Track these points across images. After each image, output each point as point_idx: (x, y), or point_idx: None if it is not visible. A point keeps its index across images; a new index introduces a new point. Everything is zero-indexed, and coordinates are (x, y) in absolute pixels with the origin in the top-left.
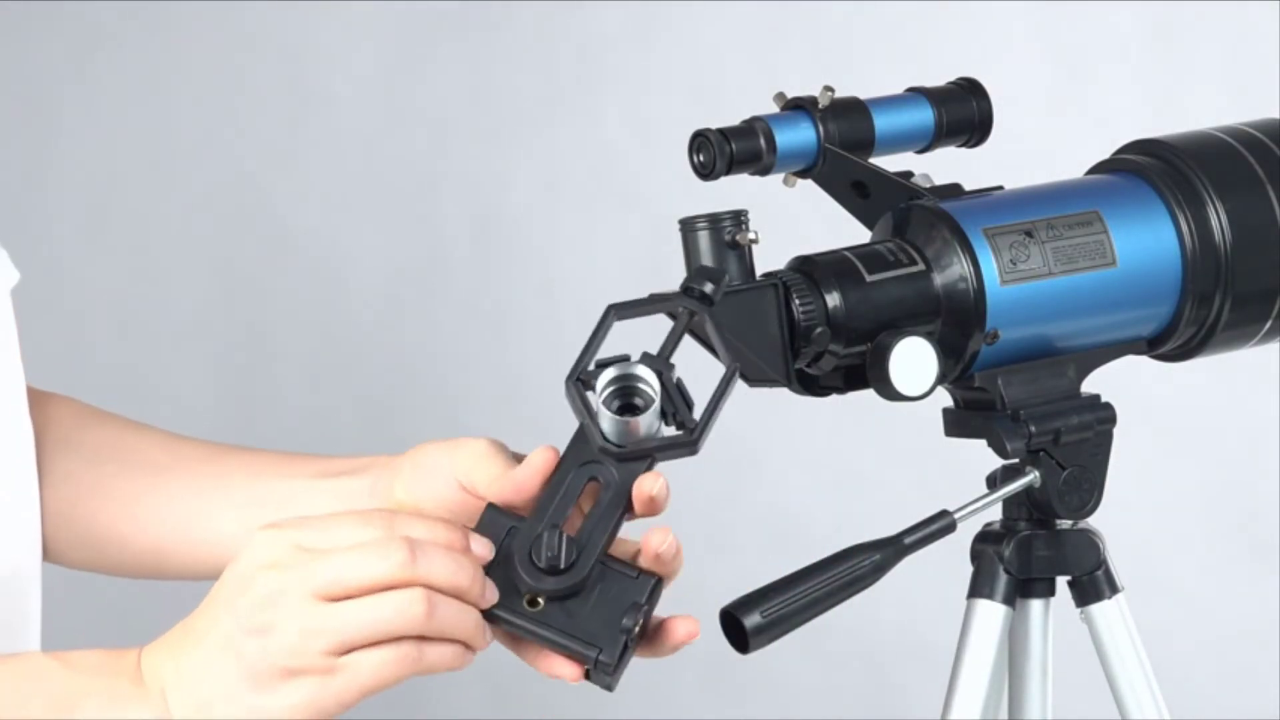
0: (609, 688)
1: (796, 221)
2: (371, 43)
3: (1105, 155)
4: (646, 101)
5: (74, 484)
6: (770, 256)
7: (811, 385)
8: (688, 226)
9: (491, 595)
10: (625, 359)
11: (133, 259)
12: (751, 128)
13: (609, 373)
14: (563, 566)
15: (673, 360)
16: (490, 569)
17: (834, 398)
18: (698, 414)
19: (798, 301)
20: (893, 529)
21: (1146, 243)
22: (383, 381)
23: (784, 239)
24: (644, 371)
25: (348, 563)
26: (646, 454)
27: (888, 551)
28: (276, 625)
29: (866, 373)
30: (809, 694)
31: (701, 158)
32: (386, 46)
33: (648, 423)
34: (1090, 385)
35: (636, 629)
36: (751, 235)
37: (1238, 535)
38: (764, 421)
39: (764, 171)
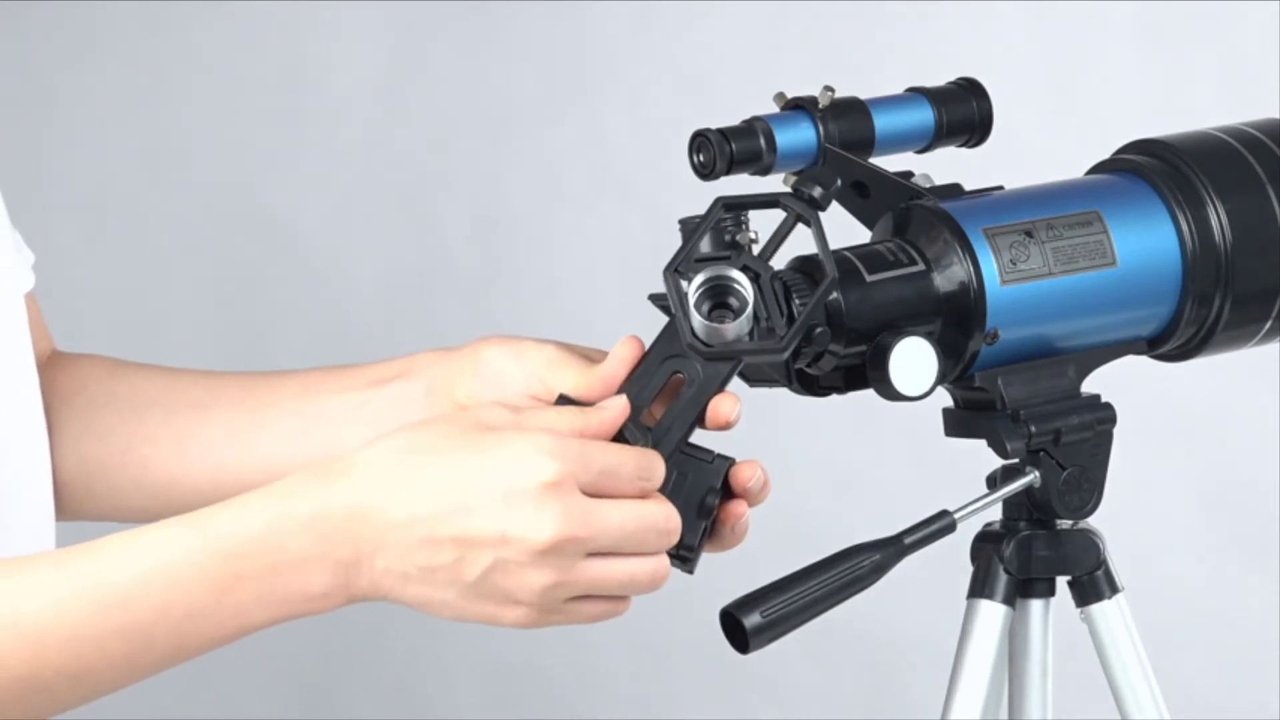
0: (690, 571)
1: None
2: (371, 43)
3: (1105, 155)
4: (646, 101)
5: (120, 435)
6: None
7: (811, 385)
8: (688, 226)
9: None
10: (725, 258)
11: (133, 259)
12: (751, 128)
13: (703, 274)
14: None
15: (771, 263)
16: None
17: (834, 398)
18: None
19: (798, 301)
20: (893, 529)
21: (1146, 243)
22: None
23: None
24: (738, 275)
25: (626, 536)
26: (734, 355)
27: (888, 551)
28: (537, 570)
29: (866, 373)
30: (809, 694)
31: (701, 158)
32: (386, 46)
33: (737, 327)
34: (1090, 385)
35: (714, 513)
36: (751, 235)
37: (1237, 535)
38: (764, 421)
39: (764, 171)
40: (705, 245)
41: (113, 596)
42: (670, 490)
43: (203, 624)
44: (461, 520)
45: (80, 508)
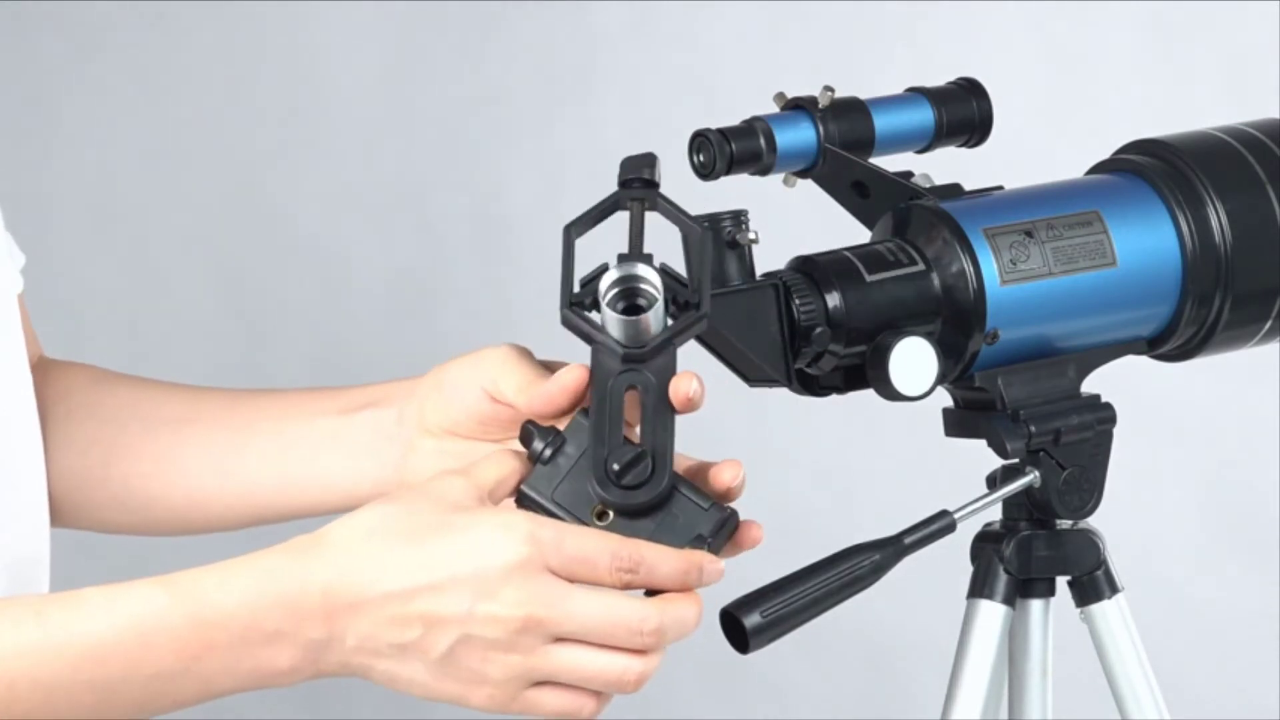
0: None
1: (796, 221)
2: (372, 43)
3: (1105, 155)
4: (646, 101)
5: (102, 447)
6: (770, 256)
7: (811, 385)
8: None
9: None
10: (606, 267)
11: (133, 258)
12: (751, 128)
13: (609, 277)
14: (646, 479)
15: (647, 251)
16: (555, 483)
17: (834, 398)
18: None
19: (798, 301)
20: (893, 529)
21: (1146, 243)
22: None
23: (784, 239)
24: (642, 269)
25: (596, 628)
26: (667, 344)
27: (888, 551)
28: (503, 651)
29: (866, 373)
30: (809, 694)
31: (701, 158)
32: (387, 46)
33: (657, 316)
34: (1090, 385)
35: None
36: (751, 235)
37: (1238, 535)
38: (764, 421)
39: (764, 171)
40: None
41: (86, 649)
42: (656, 525)
43: (168, 686)
44: (430, 599)
45: (65, 519)
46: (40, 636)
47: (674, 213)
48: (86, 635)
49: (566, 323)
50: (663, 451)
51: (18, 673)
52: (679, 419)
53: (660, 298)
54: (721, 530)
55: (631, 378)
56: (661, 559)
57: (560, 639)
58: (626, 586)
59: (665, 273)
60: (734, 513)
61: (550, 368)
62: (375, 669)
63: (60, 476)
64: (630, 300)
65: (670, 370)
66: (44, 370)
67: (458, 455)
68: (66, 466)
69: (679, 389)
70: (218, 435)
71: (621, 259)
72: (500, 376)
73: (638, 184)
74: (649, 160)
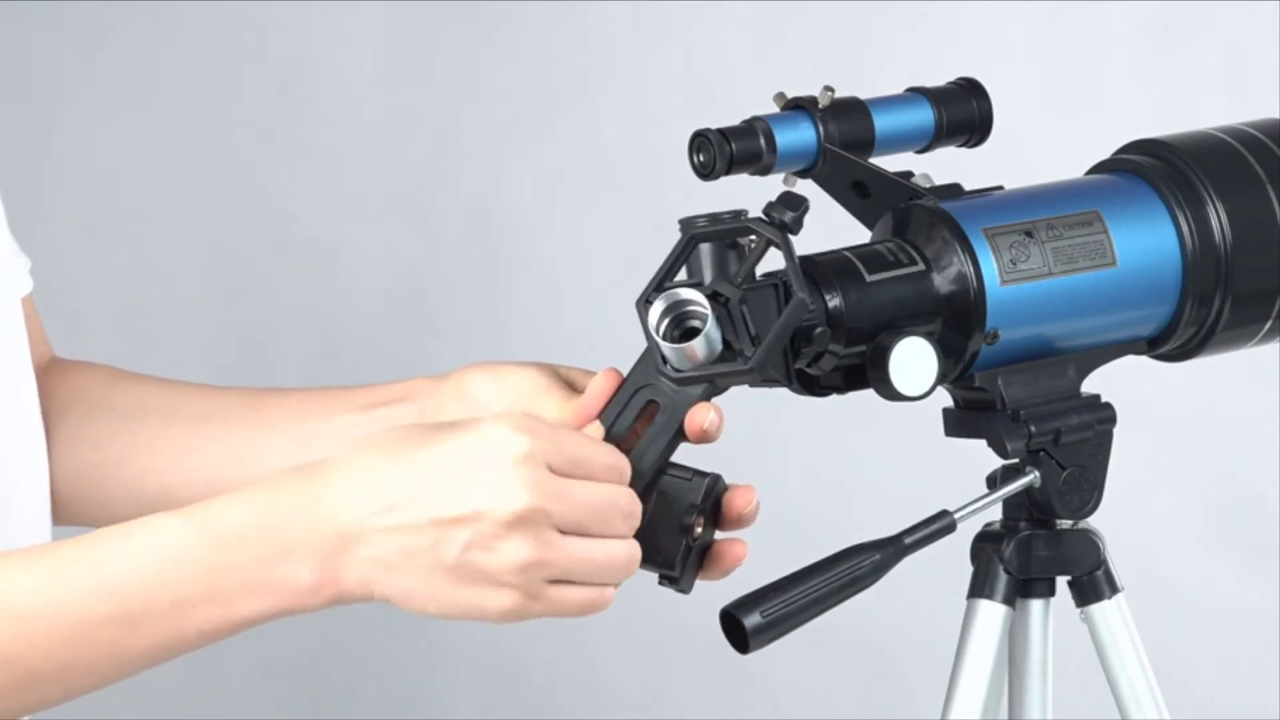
0: (684, 591)
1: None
2: (371, 43)
3: (1105, 155)
4: (646, 101)
5: (117, 444)
6: (770, 256)
7: (811, 385)
8: (688, 226)
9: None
10: (697, 284)
11: (133, 259)
12: (751, 128)
13: (659, 301)
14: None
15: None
16: None
17: (834, 398)
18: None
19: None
20: (893, 529)
21: (1146, 243)
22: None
23: None
24: (691, 295)
25: (596, 512)
26: (703, 379)
27: (888, 551)
28: (513, 543)
29: (866, 373)
30: (809, 694)
31: (701, 158)
32: (386, 46)
33: (704, 348)
34: (1090, 385)
35: (697, 529)
36: (752, 240)
37: (1238, 535)
38: (764, 421)
39: (764, 171)
40: (705, 246)
41: (102, 581)
42: (651, 511)
43: (191, 613)
44: (435, 500)
45: (77, 515)
46: (56, 574)
47: (792, 266)
48: (102, 568)
49: (637, 313)
50: (647, 462)
51: (35, 609)
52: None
53: (707, 329)
54: (709, 493)
55: (656, 393)
56: (626, 463)
57: (566, 531)
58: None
59: (745, 316)
60: (718, 477)
61: (570, 381)
62: (392, 583)
63: (75, 472)
64: (680, 325)
65: (691, 401)
66: (57, 370)
67: None
68: (81, 462)
69: (694, 418)
70: (236, 431)
71: (713, 282)
72: (532, 404)
73: (777, 222)
74: (797, 203)
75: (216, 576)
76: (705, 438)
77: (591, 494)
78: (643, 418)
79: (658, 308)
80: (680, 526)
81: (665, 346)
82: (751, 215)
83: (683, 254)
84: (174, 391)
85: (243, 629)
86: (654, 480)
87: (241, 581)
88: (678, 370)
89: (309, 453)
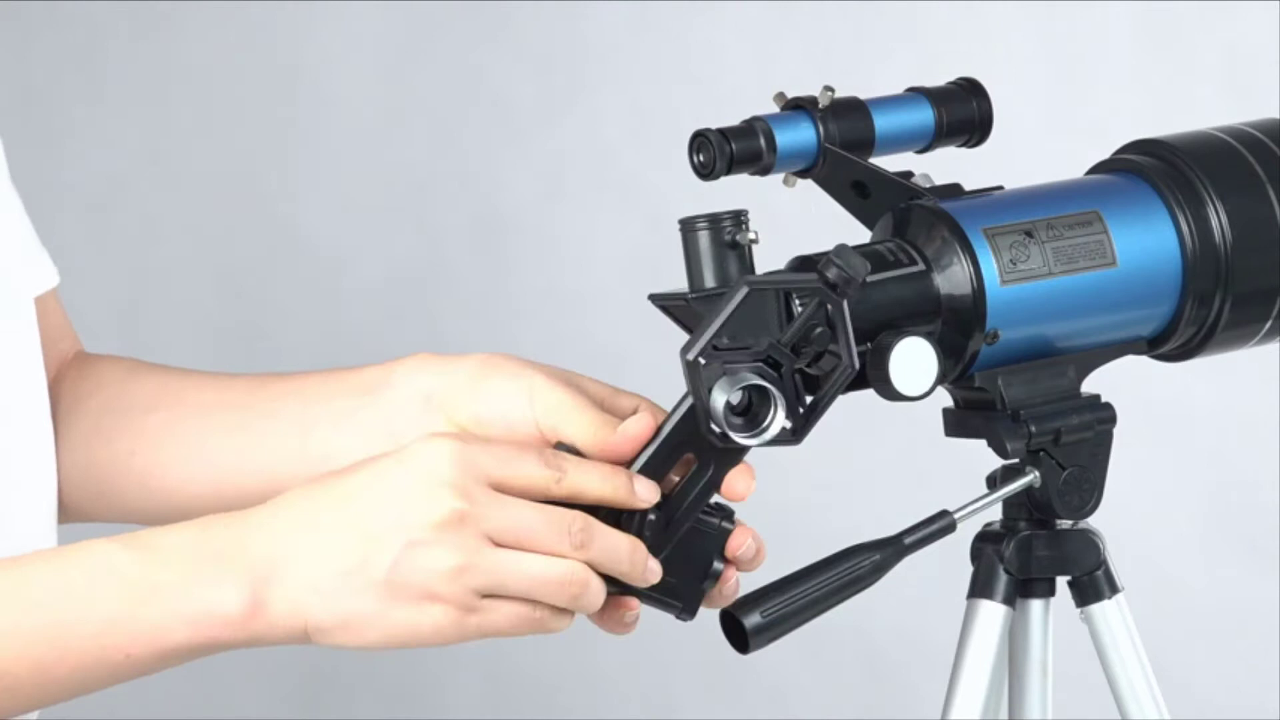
0: (688, 619)
1: (796, 221)
2: (371, 42)
3: (1105, 155)
4: (646, 102)
5: (127, 437)
6: (770, 256)
7: (812, 385)
8: (688, 226)
9: (652, 578)
10: (748, 352)
11: (133, 258)
12: (751, 128)
13: (728, 385)
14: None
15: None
16: None
17: None
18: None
19: (798, 301)
20: (893, 529)
21: (1146, 243)
22: None
23: (784, 239)
24: (762, 384)
25: (528, 523)
26: (748, 446)
27: (888, 551)
28: (441, 549)
29: (867, 373)
30: (809, 694)
31: (701, 158)
32: (386, 46)
33: (763, 435)
34: (1090, 385)
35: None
36: (751, 235)
37: (1237, 535)
38: None
39: (764, 171)
40: (705, 246)
41: (34, 594)
42: (677, 552)
43: (119, 636)
44: (363, 515)
45: (89, 510)
46: None
47: (844, 336)
48: (34, 582)
49: (687, 371)
50: (676, 527)
51: None
52: None
53: (772, 427)
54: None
55: (694, 448)
56: (589, 467)
57: (498, 542)
58: (554, 497)
59: (794, 381)
60: (732, 527)
61: (600, 400)
62: (325, 610)
63: (89, 467)
64: (746, 406)
65: (735, 463)
66: (80, 364)
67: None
68: (95, 457)
69: (736, 487)
70: (241, 419)
71: (769, 348)
72: (562, 422)
73: (844, 288)
74: (861, 271)
75: (143, 599)
76: (738, 498)
77: (522, 505)
78: (678, 466)
79: (725, 389)
80: (708, 573)
81: (733, 435)
82: (807, 274)
83: (734, 307)
84: (182, 381)
85: (173, 660)
86: (683, 529)
87: (169, 605)
88: (726, 441)
89: (309, 441)
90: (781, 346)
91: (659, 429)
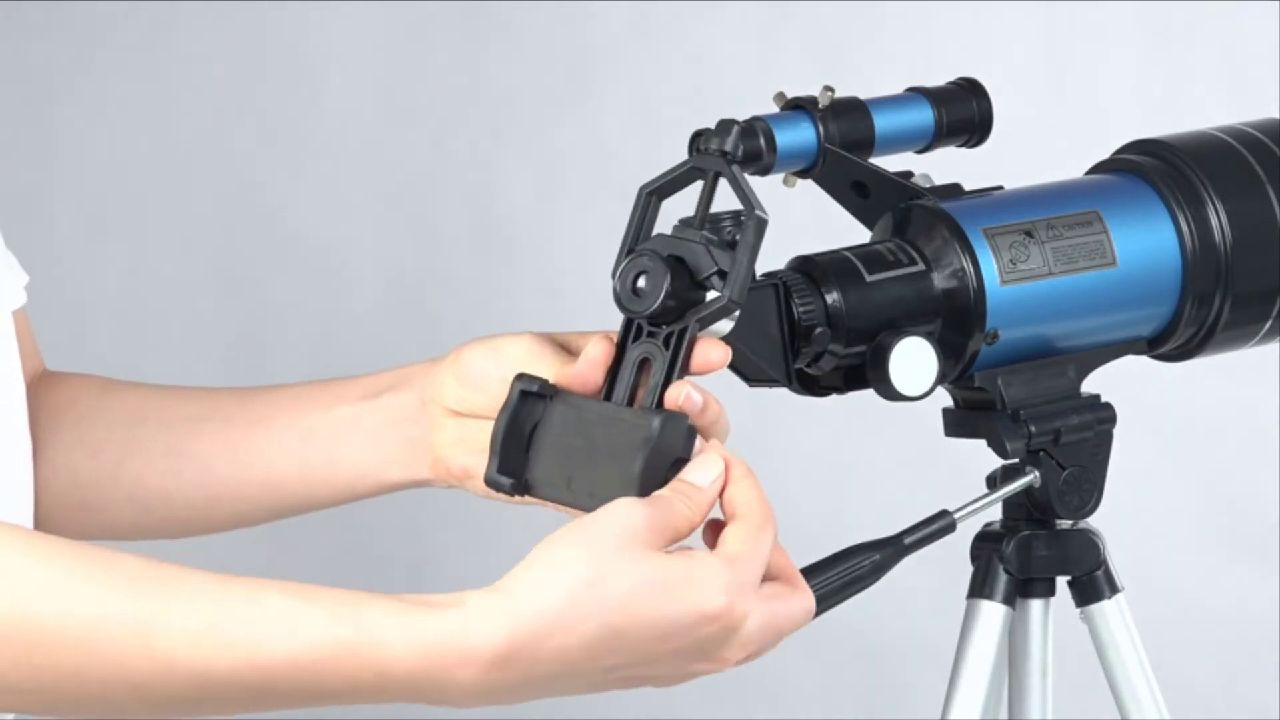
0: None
1: (796, 221)
2: (371, 42)
3: (1105, 155)
4: (646, 102)
5: (113, 449)
6: (770, 256)
7: (811, 385)
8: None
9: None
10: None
11: (133, 258)
12: (751, 128)
13: (626, 264)
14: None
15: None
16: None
17: (834, 398)
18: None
19: (798, 301)
20: (893, 529)
21: (1146, 243)
22: None
23: (784, 239)
24: (648, 251)
25: (747, 656)
26: (687, 322)
27: (888, 551)
28: (670, 665)
29: (866, 373)
30: (809, 694)
31: None
32: (386, 46)
33: (652, 290)
34: (1090, 385)
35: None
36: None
37: (1238, 535)
38: (764, 421)
39: (764, 171)
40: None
41: (257, 661)
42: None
43: (325, 705)
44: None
45: (67, 525)
46: (207, 628)
47: (738, 189)
48: (261, 645)
49: (616, 282)
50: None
51: (214, 666)
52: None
53: (661, 279)
54: (689, 440)
55: (648, 351)
56: (704, 492)
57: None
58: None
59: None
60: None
61: (566, 344)
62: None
63: (73, 480)
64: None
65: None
66: (48, 382)
67: (481, 430)
68: (78, 469)
69: (711, 355)
70: (234, 429)
71: (679, 224)
72: (527, 368)
73: (715, 152)
74: (727, 127)
75: (363, 694)
76: (710, 371)
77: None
78: (642, 375)
79: (621, 271)
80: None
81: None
82: (695, 158)
83: (645, 214)
84: (167, 395)
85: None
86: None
87: (393, 697)
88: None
89: (310, 448)
90: (690, 228)
91: (618, 348)
